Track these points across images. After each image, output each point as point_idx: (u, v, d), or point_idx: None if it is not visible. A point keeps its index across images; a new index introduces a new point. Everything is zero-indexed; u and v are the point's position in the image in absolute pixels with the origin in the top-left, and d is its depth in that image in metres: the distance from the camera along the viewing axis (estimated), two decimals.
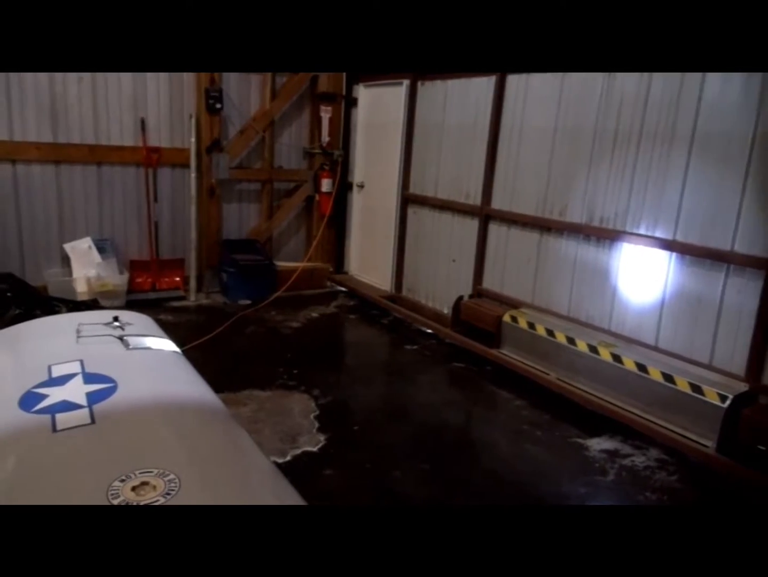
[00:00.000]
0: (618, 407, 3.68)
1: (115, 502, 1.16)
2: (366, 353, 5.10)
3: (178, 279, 5.93)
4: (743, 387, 3.22)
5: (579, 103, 4.17)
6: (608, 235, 4.03)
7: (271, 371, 4.22)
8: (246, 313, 5.50)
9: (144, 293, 5.68)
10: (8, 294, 4.10)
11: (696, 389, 3.30)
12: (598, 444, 3.49)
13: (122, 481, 1.22)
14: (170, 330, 2.19)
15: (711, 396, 3.22)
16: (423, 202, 5.68)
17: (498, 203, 4.89)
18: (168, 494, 1.19)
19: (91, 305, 4.78)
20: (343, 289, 6.61)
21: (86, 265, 5.26)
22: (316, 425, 3.50)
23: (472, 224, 5.12)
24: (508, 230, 4.84)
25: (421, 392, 4.21)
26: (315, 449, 3.23)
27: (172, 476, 1.24)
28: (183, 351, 2.05)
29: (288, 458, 3.10)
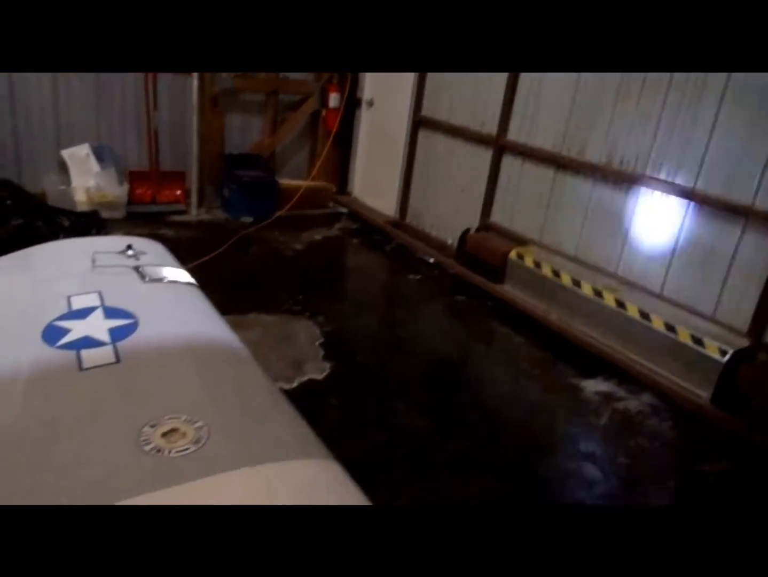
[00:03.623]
0: (616, 351, 3.75)
1: (147, 448, 1.17)
2: (369, 280, 5.10)
3: (179, 192, 5.78)
4: (744, 342, 3.27)
5: None
6: (626, 178, 3.93)
7: (275, 295, 4.22)
8: (248, 231, 5.42)
9: (144, 206, 5.55)
10: (8, 202, 3.98)
11: (697, 341, 3.35)
12: (593, 386, 3.58)
13: (152, 427, 1.22)
14: (172, 247, 2.13)
15: (711, 349, 3.28)
16: (435, 126, 5.46)
17: (514, 135, 4.72)
18: (197, 442, 1.20)
19: (92, 216, 4.68)
20: (345, 210, 6.50)
21: (85, 174, 5.10)
22: (321, 352, 3.55)
23: (486, 154, 4.96)
24: (522, 164, 4.71)
25: (422, 323, 4.25)
26: (320, 377, 3.30)
27: (200, 423, 1.24)
28: (187, 269, 1.99)
29: (294, 384, 3.17)
